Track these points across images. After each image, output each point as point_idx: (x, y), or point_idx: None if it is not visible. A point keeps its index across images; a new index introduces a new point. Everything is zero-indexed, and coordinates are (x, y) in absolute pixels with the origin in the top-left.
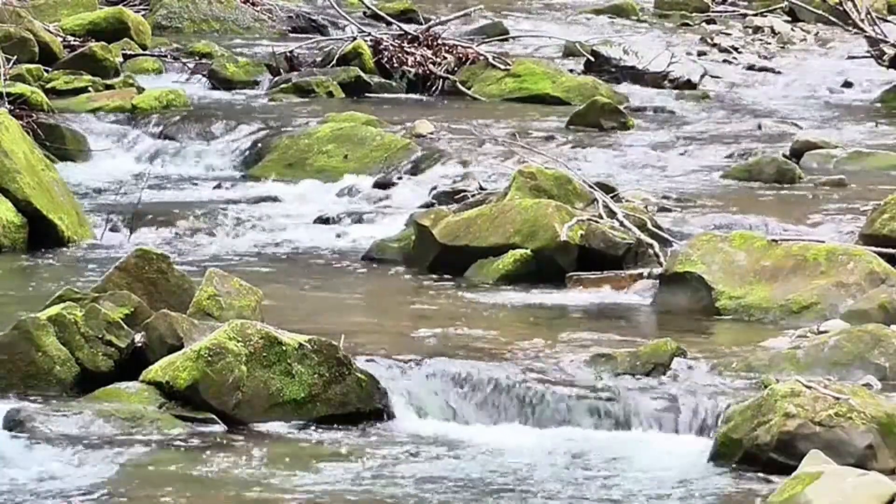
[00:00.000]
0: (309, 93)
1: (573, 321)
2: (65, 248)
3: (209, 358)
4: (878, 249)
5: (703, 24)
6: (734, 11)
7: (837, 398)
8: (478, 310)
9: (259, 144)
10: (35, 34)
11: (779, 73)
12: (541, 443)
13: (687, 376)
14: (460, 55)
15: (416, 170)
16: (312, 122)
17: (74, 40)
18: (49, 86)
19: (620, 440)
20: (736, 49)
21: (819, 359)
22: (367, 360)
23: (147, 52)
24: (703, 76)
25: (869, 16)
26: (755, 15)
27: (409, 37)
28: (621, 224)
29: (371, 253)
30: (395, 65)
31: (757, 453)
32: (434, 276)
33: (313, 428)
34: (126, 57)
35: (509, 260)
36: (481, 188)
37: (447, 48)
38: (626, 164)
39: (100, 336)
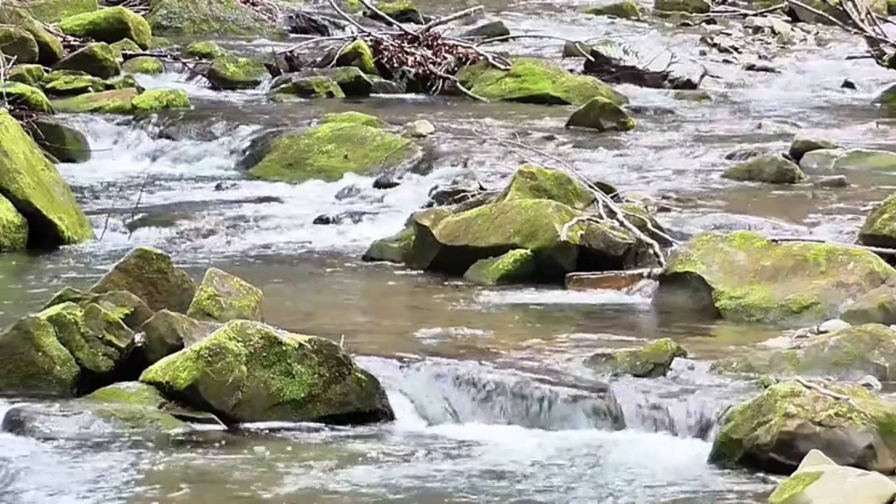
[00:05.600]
0: (309, 93)
1: (573, 321)
2: (65, 248)
3: (209, 358)
4: (878, 249)
5: (703, 24)
6: (734, 11)
7: (837, 398)
8: (478, 310)
9: (259, 144)
10: (35, 34)
11: (779, 73)
12: (540, 443)
13: (687, 376)
14: (460, 55)
15: (416, 170)
16: (312, 122)
17: (74, 40)
18: (49, 86)
19: (620, 440)
20: (736, 49)
21: (819, 359)
22: (368, 360)
23: (147, 52)
24: (703, 76)
25: (869, 16)
26: (755, 15)
27: (409, 37)
28: (621, 224)
29: (371, 253)
30: (395, 65)
31: (757, 453)
32: (434, 276)
33: (313, 428)
34: (126, 57)
35: (509, 260)
36: (481, 188)
37: (447, 48)
38: (626, 164)
39: (100, 336)
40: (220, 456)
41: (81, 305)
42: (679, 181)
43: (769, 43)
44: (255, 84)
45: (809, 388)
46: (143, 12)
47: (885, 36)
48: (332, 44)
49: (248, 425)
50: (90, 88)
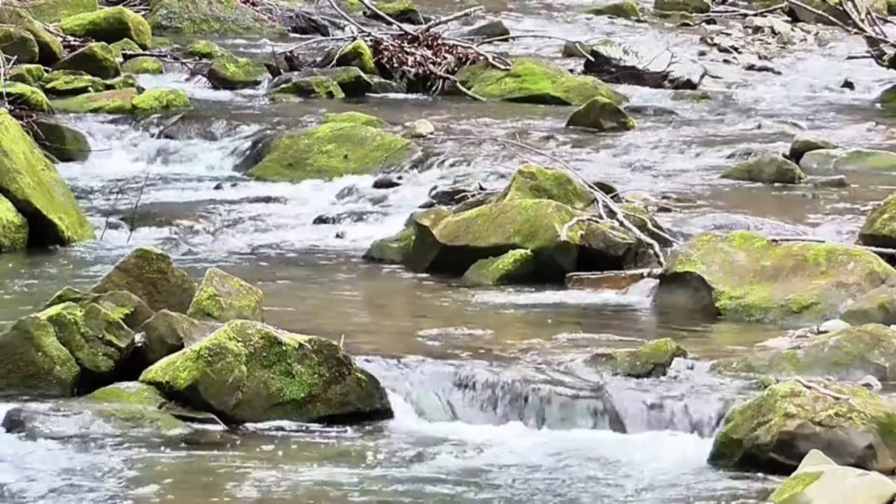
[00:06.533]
0: (309, 93)
1: (573, 321)
2: (65, 248)
3: (209, 358)
4: (878, 249)
5: (703, 24)
6: (734, 11)
7: (837, 398)
8: (478, 310)
9: (259, 144)
10: (35, 34)
11: (779, 73)
12: (540, 443)
13: (687, 376)
14: (460, 55)
15: (416, 170)
16: (312, 122)
17: (74, 40)
18: (49, 86)
19: (620, 440)
20: (736, 49)
21: (819, 359)
22: (367, 360)
23: (147, 52)
24: (703, 76)
25: (869, 16)
26: (755, 15)
27: (409, 37)
28: (621, 224)
29: (371, 253)
30: (395, 65)
31: (757, 453)
32: (434, 276)
33: (313, 428)
34: (126, 57)
35: (509, 260)
36: (481, 188)
37: (447, 48)
38: (626, 164)
39: (100, 336)
40: (220, 456)
41: (81, 305)
42: (679, 181)
43: (769, 43)
44: (255, 84)
45: (809, 388)
46: (143, 12)
47: (885, 36)
48: (332, 44)
49: (248, 425)
50: (90, 88)
